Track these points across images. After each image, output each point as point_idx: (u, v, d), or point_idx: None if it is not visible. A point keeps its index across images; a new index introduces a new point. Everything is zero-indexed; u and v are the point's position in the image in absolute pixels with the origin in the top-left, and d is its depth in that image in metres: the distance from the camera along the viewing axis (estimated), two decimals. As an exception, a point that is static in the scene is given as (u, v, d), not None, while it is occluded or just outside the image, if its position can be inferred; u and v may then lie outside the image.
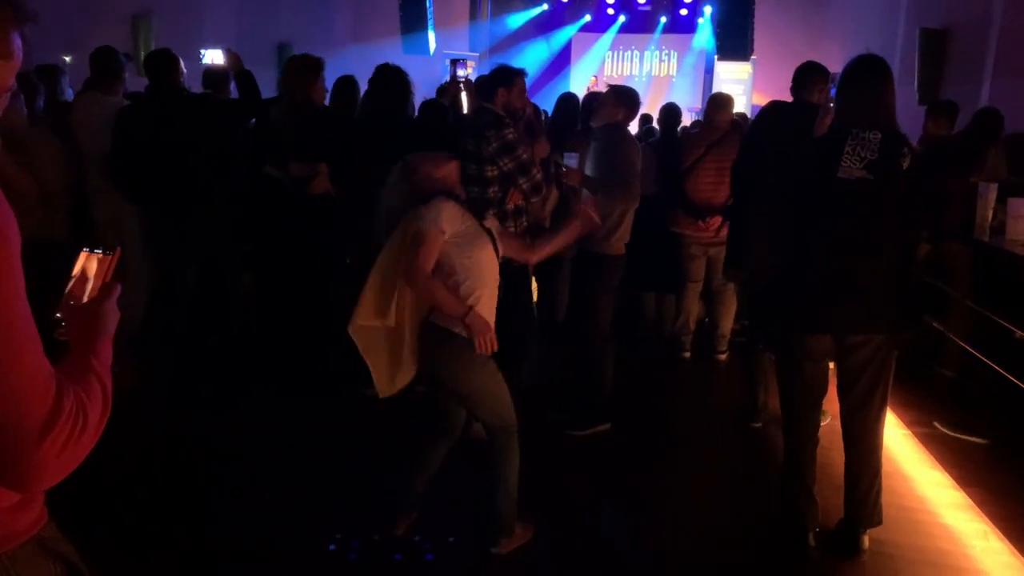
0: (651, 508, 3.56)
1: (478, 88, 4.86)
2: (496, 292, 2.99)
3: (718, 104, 5.33)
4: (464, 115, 5.00)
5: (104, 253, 1.38)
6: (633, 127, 9.83)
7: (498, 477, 3.02)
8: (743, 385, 4.53)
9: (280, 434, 4.04)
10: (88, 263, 1.36)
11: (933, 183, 3.49)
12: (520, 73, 4.06)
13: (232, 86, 5.47)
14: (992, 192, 3.87)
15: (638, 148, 4.30)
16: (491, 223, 3.07)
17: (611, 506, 3.58)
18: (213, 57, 5.80)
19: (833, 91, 3.03)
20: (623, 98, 4.29)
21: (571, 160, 4.21)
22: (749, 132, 4.82)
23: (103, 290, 1.36)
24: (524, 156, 3.80)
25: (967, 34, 8.84)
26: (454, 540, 3.16)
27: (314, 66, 4.44)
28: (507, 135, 3.78)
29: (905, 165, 2.81)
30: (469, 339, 2.83)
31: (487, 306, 2.91)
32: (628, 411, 4.45)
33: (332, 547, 3.09)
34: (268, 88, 6.03)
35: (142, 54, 10.05)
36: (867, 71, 2.93)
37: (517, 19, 18.06)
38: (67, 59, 8.96)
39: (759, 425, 4.44)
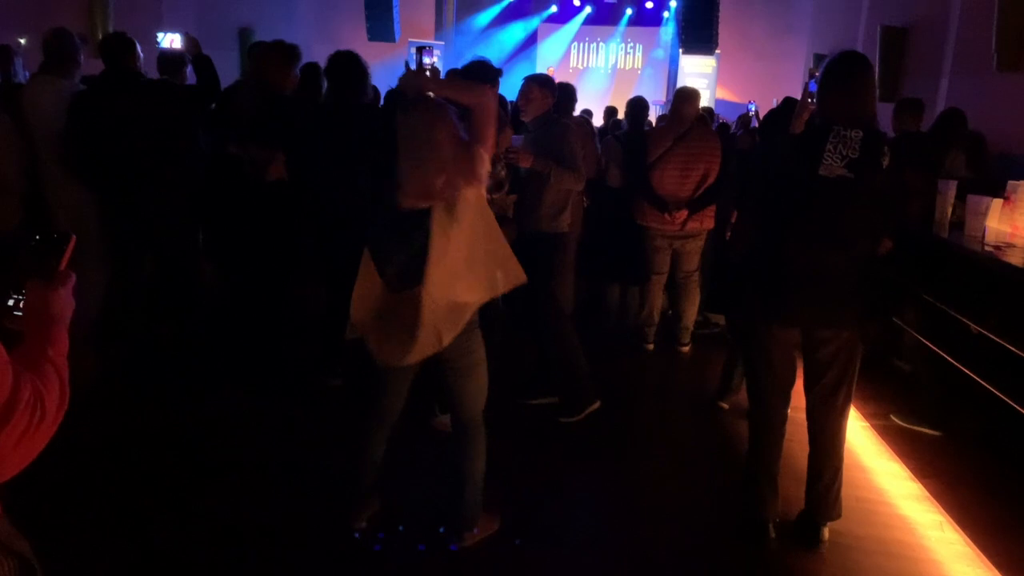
0: (613, 499, 3.57)
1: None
2: None
3: (685, 97, 5.34)
4: None
5: (57, 241, 1.36)
6: (599, 120, 9.88)
7: (469, 471, 3.00)
8: (723, 366, 4.62)
9: (248, 425, 3.98)
10: (41, 251, 1.34)
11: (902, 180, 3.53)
12: (499, 73, 4.03)
13: (188, 70, 5.39)
14: (951, 189, 3.93)
15: (574, 131, 4.29)
16: None
17: (573, 496, 3.58)
18: (171, 41, 5.66)
19: (812, 86, 3.01)
20: (546, 86, 4.28)
21: (516, 142, 4.17)
22: (764, 124, 4.84)
23: (57, 278, 1.34)
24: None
25: (926, 32, 9.00)
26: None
27: (289, 55, 4.39)
28: None
29: (885, 164, 2.83)
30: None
31: None
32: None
33: (356, 535, 3.08)
34: (228, 72, 5.94)
35: (100, 35, 9.87)
36: (850, 69, 2.91)
37: (484, 17, 18.03)
38: (21, 41, 8.76)
39: (726, 406, 4.51)
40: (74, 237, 1.37)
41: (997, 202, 3.73)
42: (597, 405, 4.30)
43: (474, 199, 2.68)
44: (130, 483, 3.41)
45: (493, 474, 3.11)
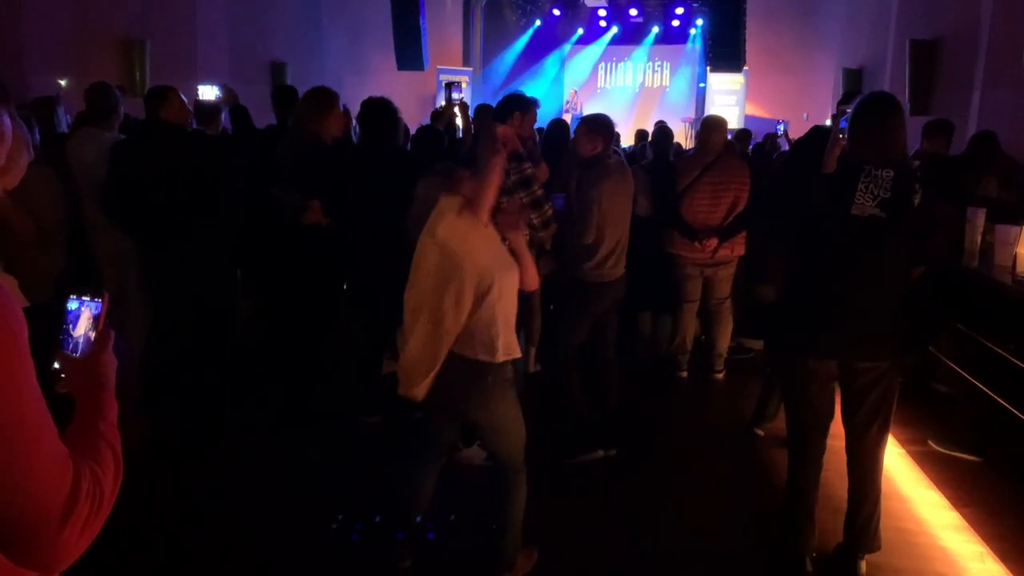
0: (647, 530, 3.58)
1: (488, 115, 4.88)
2: None
3: (711, 127, 5.35)
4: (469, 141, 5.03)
5: (92, 299, 1.34)
6: (629, 139, 9.84)
7: (508, 517, 3.03)
8: (760, 392, 4.62)
9: (284, 465, 4.05)
10: (78, 311, 1.33)
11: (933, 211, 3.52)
12: (535, 103, 4.05)
13: (224, 116, 5.53)
14: (980, 217, 3.90)
15: (602, 190, 4.07)
16: None
17: (607, 528, 3.60)
18: (206, 92, 5.86)
19: (843, 123, 3.05)
20: (598, 128, 4.18)
21: (558, 201, 4.16)
22: (789, 155, 4.82)
23: (97, 340, 1.33)
24: (539, 192, 3.80)
25: (956, 45, 8.91)
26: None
27: (325, 101, 4.38)
28: (526, 169, 3.76)
29: (916, 202, 2.87)
30: (501, 372, 2.88)
31: None
32: (626, 431, 4.46)
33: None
34: (261, 106, 6.11)
35: (136, 76, 10.13)
36: (880, 110, 2.95)
37: (511, 53, 18.19)
38: (62, 83, 9.01)
39: (762, 433, 4.51)
40: (107, 295, 1.35)
41: (1028, 229, 3.70)
42: (600, 455, 4.21)
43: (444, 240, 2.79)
44: (167, 529, 3.48)
45: (526, 506, 3.12)
